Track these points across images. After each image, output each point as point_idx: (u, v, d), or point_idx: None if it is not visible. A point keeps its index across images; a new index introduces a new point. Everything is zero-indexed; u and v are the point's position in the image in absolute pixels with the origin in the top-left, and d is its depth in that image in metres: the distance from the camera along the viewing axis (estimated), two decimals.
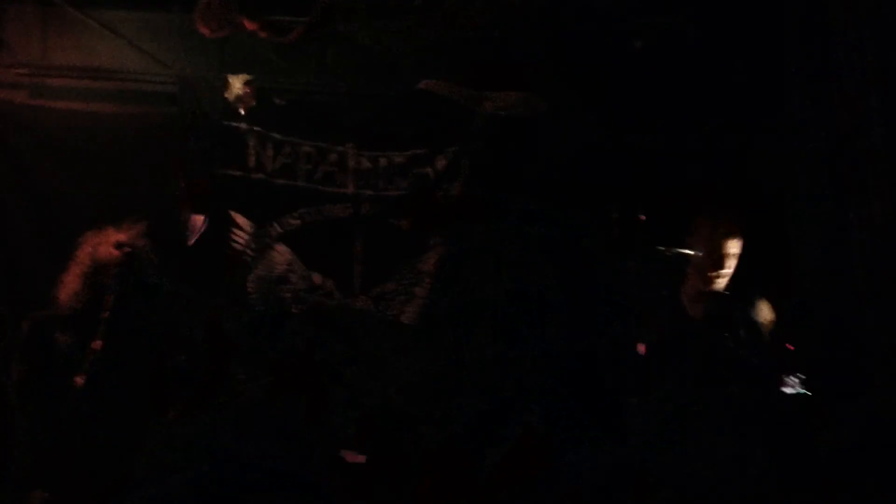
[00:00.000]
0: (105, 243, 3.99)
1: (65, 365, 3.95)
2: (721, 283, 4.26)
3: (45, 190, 4.93)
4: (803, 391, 4.06)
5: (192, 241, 4.85)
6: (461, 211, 5.21)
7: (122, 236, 4.01)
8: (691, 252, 4.25)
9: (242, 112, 5.02)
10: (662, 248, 4.30)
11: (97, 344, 4.04)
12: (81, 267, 3.99)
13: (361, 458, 4.38)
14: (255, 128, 5.09)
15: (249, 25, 4.74)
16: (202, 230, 4.89)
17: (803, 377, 4.05)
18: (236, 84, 4.98)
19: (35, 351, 3.96)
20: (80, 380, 3.96)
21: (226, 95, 4.99)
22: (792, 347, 4.14)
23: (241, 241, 5.08)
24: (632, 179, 5.02)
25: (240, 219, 5.08)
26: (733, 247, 4.25)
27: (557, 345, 4.91)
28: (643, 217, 4.69)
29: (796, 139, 4.73)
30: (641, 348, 4.44)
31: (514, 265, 5.10)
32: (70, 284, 3.99)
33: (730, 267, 4.24)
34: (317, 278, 5.15)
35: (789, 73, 4.72)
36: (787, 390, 4.05)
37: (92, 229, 4.03)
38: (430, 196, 5.22)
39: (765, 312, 4.23)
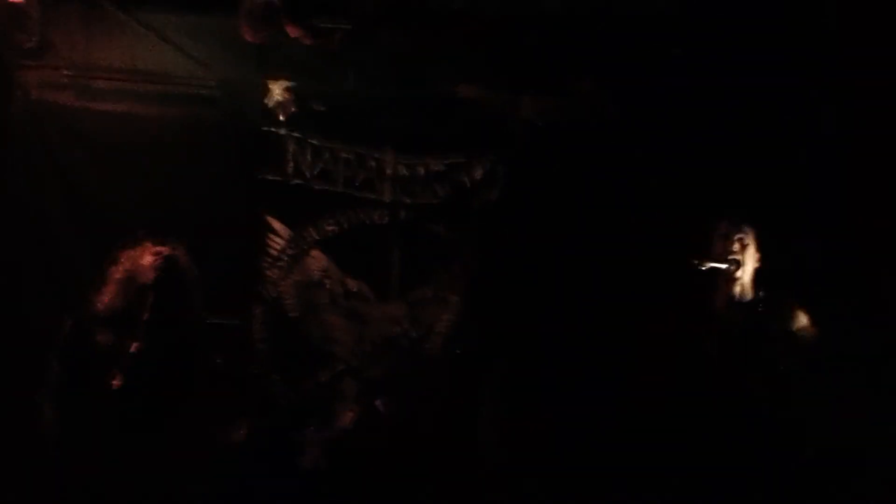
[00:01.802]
0: (144, 254, 4.03)
1: (104, 366, 3.99)
2: (748, 292, 4.26)
3: (87, 191, 4.95)
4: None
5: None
6: (499, 218, 5.22)
7: (161, 249, 4.05)
8: (723, 266, 4.25)
9: (282, 118, 5.04)
10: (699, 257, 4.28)
11: (135, 346, 4.09)
12: (120, 272, 4.03)
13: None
14: (295, 133, 5.10)
15: (292, 31, 4.76)
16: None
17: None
18: (276, 90, 5.01)
19: (75, 351, 4.00)
20: (117, 381, 4.00)
21: (266, 101, 5.02)
22: None
23: (277, 246, 5.10)
24: (671, 188, 4.99)
25: (276, 224, 5.10)
26: (751, 256, 4.27)
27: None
28: (682, 225, 4.67)
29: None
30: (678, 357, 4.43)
31: (549, 272, 5.12)
32: (110, 288, 4.04)
33: (749, 276, 4.25)
34: (352, 284, 5.16)
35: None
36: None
37: (133, 241, 4.07)
38: (467, 203, 5.23)
39: (801, 321, 4.22)
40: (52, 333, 4.02)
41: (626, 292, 4.94)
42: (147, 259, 4.03)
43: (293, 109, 5.04)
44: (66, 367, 3.97)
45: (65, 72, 4.98)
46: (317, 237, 5.14)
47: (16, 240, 4.87)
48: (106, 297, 4.06)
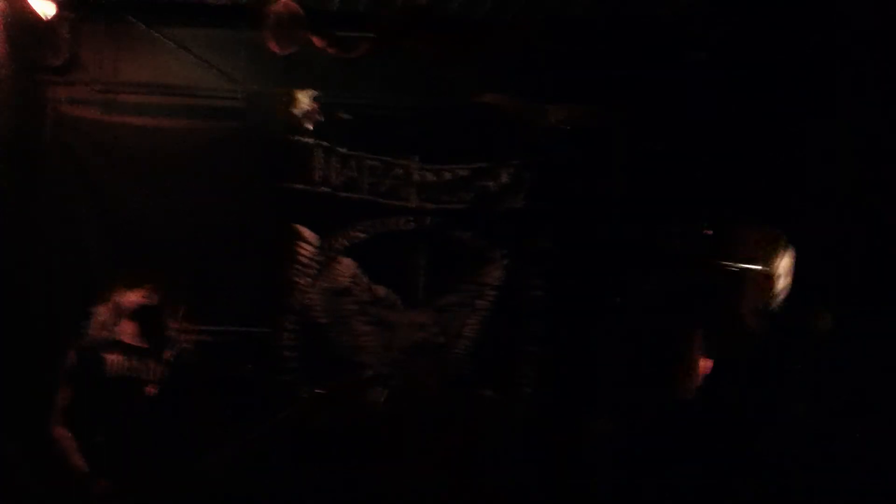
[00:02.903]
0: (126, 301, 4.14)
1: (123, 382, 4.05)
2: (778, 298, 4.23)
3: (115, 204, 5.01)
4: None
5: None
6: (524, 224, 5.23)
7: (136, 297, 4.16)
8: (753, 266, 4.23)
9: (309, 127, 5.08)
10: (726, 263, 4.27)
11: (168, 354, 4.14)
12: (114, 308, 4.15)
13: None
14: (321, 142, 5.14)
15: (317, 42, 4.80)
16: None
17: None
18: (303, 99, 5.05)
19: (83, 377, 4.06)
20: (152, 389, 4.05)
21: (292, 110, 5.06)
22: None
23: (306, 253, 5.13)
24: (697, 193, 4.99)
25: (305, 232, 5.13)
26: (784, 263, 4.23)
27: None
28: (709, 231, 4.66)
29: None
30: (706, 363, 4.42)
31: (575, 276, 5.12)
32: (107, 317, 4.15)
33: (783, 283, 4.22)
34: (380, 291, 5.19)
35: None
36: None
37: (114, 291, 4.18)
38: (492, 209, 5.24)
39: (827, 323, 4.19)
40: (81, 342, 4.10)
41: (653, 296, 4.93)
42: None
43: (319, 119, 5.08)
44: (76, 392, 4.05)
45: (93, 87, 5.05)
46: (345, 244, 5.17)
47: (48, 250, 4.93)
48: (102, 321, 4.16)
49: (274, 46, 4.70)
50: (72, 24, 4.99)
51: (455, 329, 5.21)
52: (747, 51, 4.92)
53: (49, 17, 4.72)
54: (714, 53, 5.02)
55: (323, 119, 5.08)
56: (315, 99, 5.05)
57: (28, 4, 4.62)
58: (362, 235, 5.19)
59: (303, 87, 5.08)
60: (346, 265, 5.17)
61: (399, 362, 5.16)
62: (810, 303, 4.25)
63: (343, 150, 5.17)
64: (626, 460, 4.68)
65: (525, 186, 5.24)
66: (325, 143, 5.15)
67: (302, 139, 5.12)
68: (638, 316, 4.96)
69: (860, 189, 4.71)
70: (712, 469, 4.19)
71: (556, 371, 5.14)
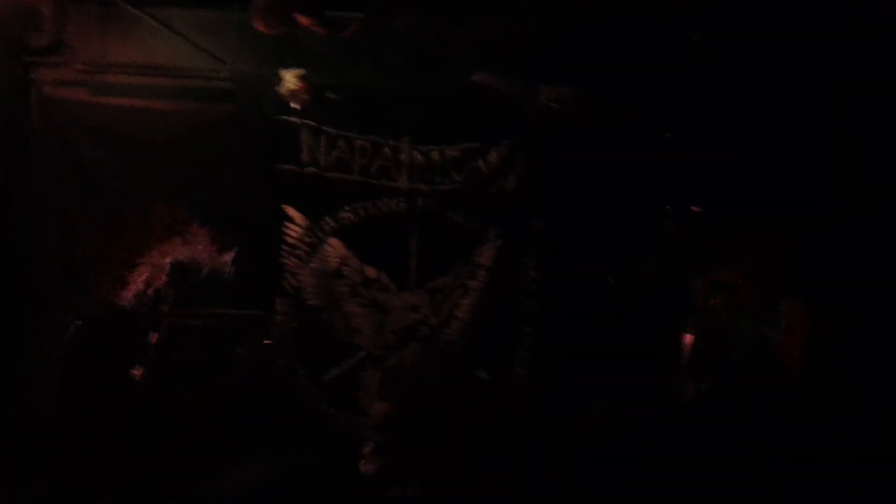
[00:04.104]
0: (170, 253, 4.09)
1: (120, 360, 4.03)
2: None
3: (104, 185, 4.99)
4: None
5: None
6: (516, 204, 5.20)
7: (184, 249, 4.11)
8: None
9: (296, 107, 5.04)
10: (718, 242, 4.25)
11: (154, 337, 4.12)
12: (147, 271, 4.09)
13: None
14: (309, 123, 5.10)
15: (305, 21, 4.75)
16: None
17: None
18: (290, 80, 5.01)
19: (85, 350, 4.04)
20: (137, 372, 4.04)
21: (279, 91, 5.02)
22: None
23: (294, 235, 5.11)
24: (690, 177, 4.96)
25: (293, 213, 5.10)
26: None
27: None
28: (697, 209, 4.63)
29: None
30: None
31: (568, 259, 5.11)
32: (135, 285, 4.09)
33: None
34: (371, 272, 5.16)
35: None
36: None
37: (160, 238, 4.12)
38: (484, 189, 5.21)
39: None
40: (70, 324, 4.07)
41: (642, 280, 4.92)
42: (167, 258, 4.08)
43: (307, 99, 5.04)
44: (77, 364, 4.02)
45: (79, 68, 5.02)
46: (334, 226, 5.14)
47: (35, 233, 4.92)
48: (130, 294, 4.11)
49: (261, 26, 4.66)
50: (56, 4, 4.95)
51: (448, 310, 5.18)
52: (742, 33, 4.89)
53: None
54: (708, 35, 4.97)
55: (311, 99, 5.03)
56: (303, 79, 5.01)
57: None
58: (353, 217, 5.16)
59: (291, 67, 5.03)
60: (336, 246, 5.14)
61: (392, 344, 5.14)
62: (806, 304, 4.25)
63: (332, 131, 5.14)
64: (620, 442, 4.67)
65: (517, 167, 5.20)
66: (313, 124, 5.11)
67: (290, 120, 5.08)
68: (631, 296, 4.95)
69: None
70: (706, 450, 4.18)
71: (549, 352, 5.12)
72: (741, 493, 4.13)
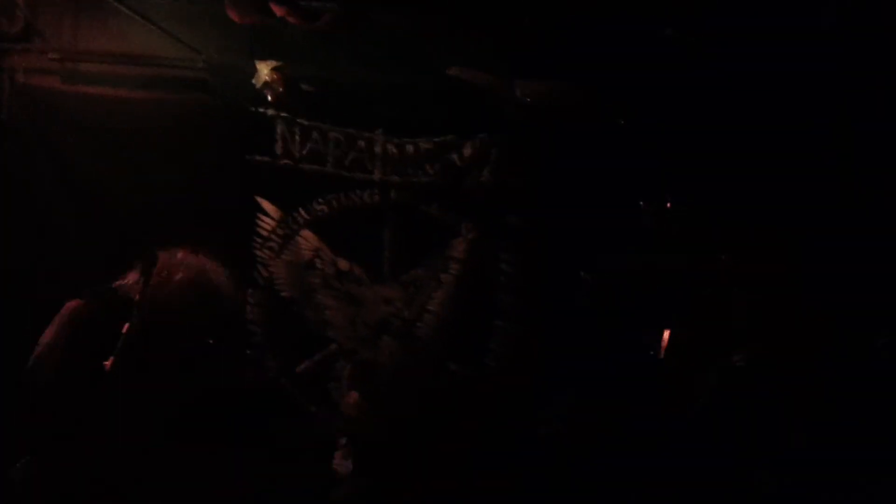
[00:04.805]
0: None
1: (105, 350, 3.99)
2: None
3: (79, 174, 4.96)
4: None
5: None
6: (490, 198, 5.20)
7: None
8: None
9: (270, 98, 5.02)
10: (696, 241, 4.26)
11: (125, 327, 4.08)
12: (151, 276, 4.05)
13: None
14: (283, 114, 5.08)
15: (278, 11, 4.73)
16: None
17: None
18: (264, 70, 4.98)
19: (79, 336, 4.00)
20: (108, 364, 4.00)
21: (253, 82, 5.00)
22: None
23: (267, 226, 5.09)
24: (665, 173, 4.97)
25: (266, 205, 5.09)
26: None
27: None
28: (669, 205, 4.64)
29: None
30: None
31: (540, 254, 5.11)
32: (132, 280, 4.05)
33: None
34: (343, 264, 5.15)
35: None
36: None
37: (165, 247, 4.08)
38: (458, 183, 5.21)
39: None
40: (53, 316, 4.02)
41: (619, 275, 4.93)
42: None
43: (281, 90, 5.02)
44: (71, 351, 3.98)
45: (51, 56, 4.98)
46: (307, 217, 5.13)
47: (6, 221, 4.86)
48: (127, 285, 4.07)
49: (234, 15, 4.64)
50: None
51: (421, 303, 5.18)
52: (718, 25, 4.89)
53: None
54: (683, 29, 4.97)
55: (285, 90, 5.02)
56: (276, 70, 4.99)
57: None
58: (326, 209, 5.15)
59: (266, 58, 5.01)
60: (309, 238, 5.13)
61: (365, 337, 5.13)
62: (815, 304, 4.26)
63: (306, 123, 5.12)
64: (593, 435, 4.69)
65: (491, 161, 5.19)
66: (286, 115, 5.09)
67: (263, 111, 5.06)
68: (606, 291, 4.95)
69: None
70: (681, 441, 4.20)
71: (522, 346, 5.13)
72: (712, 491, 4.14)
